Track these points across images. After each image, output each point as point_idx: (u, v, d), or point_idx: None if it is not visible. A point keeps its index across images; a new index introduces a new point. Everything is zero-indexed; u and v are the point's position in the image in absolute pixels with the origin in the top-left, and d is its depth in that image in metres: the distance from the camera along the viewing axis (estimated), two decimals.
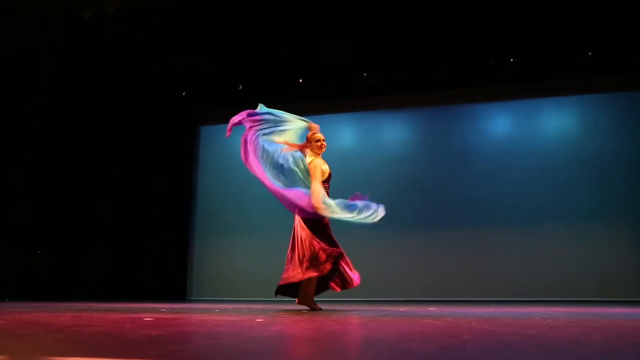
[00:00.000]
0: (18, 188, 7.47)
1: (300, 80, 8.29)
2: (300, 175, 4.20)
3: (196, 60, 8.14)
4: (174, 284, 8.43)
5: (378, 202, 8.16)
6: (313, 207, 4.03)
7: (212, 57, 8.05)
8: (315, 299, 4.35)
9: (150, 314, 3.60)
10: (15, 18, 7.19)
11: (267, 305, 5.44)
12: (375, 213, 4.24)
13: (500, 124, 8.35)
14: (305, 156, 4.38)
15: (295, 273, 4.09)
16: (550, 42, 7.12)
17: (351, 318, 3.34)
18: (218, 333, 2.19)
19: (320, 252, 4.07)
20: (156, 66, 8.16)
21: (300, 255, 4.12)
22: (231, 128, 4.34)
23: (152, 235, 8.57)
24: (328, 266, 4.06)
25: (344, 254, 4.29)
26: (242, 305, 5.46)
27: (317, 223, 4.19)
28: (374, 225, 8.21)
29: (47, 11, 7.34)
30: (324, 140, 4.47)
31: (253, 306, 5.28)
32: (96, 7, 7.43)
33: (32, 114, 7.81)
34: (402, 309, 4.85)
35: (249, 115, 4.34)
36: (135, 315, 3.36)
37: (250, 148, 4.29)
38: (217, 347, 1.69)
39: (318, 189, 4.10)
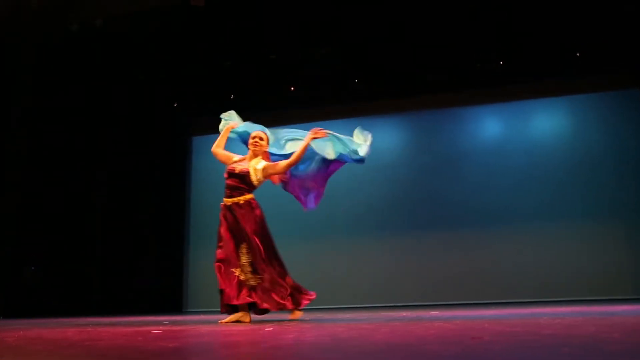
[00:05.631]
0: (7, 203, 7.34)
1: (292, 88, 8.28)
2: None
3: (187, 70, 8.10)
4: (169, 296, 8.33)
5: (371, 207, 8.22)
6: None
7: (202, 67, 8.02)
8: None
9: (155, 326, 3.54)
10: (6, 28, 7.11)
11: (264, 316, 5.39)
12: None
13: (490, 126, 8.42)
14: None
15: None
16: (538, 43, 7.19)
17: (359, 324, 3.32)
18: (236, 343, 2.16)
19: None
20: (146, 77, 8.09)
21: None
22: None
23: (145, 247, 8.47)
24: None
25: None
26: None
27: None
28: (367, 230, 8.27)
29: (35, 23, 7.27)
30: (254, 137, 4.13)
31: (254, 316, 5.21)
32: (84, 20, 7.39)
33: (20, 127, 7.70)
34: (404, 313, 4.84)
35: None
36: (141, 329, 3.31)
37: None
38: (245, 357, 1.66)
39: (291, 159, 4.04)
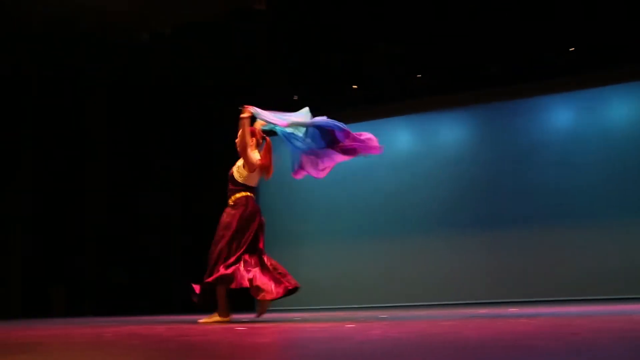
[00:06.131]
0: (95, 209, 7.83)
1: (354, 87, 8.27)
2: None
3: (251, 72, 8.25)
4: (242, 295, 8.51)
5: (438, 203, 8.08)
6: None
7: (267, 69, 8.14)
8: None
9: (236, 324, 3.63)
10: (78, 41, 7.56)
11: (332, 313, 5.41)
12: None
13: (562, 116, 8.05)
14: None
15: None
16: (611, 26, 6.79)
17: (438, 321, 3.26)
18: (324, 338, 2.17)
19: None
20: (213, 82, 8.32)
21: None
22: None
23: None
24: None
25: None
26: (311, 314, 5.45)
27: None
28: (434, 226, 8.12)
29: (108, 36, 7.67)
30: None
31: (325, 314, 5.25)
32: (152, 30, 7.72)
33: (97, 133, 8.19)
34: (481, 311, 4.72)
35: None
36: (223, 326, 3.40)
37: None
38: (340, 351, 1.67)
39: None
